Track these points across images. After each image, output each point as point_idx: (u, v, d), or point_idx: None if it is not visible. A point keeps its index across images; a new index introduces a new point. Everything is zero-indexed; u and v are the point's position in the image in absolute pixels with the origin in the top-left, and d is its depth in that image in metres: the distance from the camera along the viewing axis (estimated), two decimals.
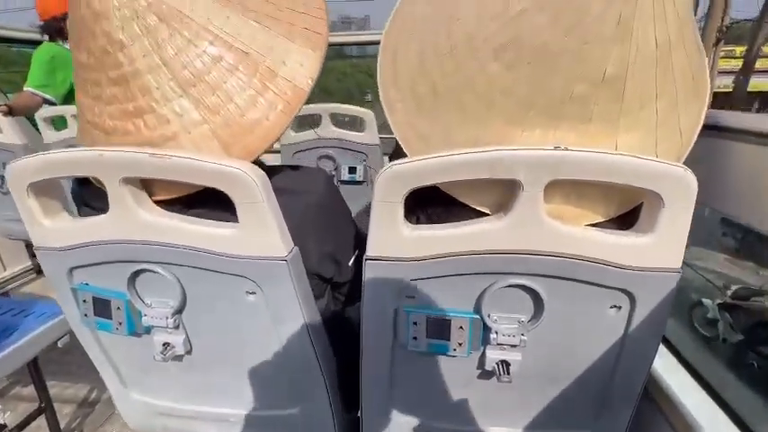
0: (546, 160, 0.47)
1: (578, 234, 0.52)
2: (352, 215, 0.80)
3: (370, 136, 2.01)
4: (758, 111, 17.30)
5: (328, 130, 2.04)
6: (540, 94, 0.50)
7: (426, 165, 0.49)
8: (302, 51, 0.60)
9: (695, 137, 0.58)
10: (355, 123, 2.16)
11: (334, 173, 2.07)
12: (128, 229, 0.60)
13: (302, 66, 0.60)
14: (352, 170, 2.04)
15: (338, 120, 2.09)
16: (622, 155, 0.48)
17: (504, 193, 0.52)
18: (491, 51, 0.50)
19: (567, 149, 0.46)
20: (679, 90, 0.53)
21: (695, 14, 7.15)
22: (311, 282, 0.65)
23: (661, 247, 0.51)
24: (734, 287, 4.20)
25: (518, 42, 0.49)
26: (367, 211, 0.57)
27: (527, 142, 0.51)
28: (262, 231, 0.56)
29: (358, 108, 2.05)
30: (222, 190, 0.54)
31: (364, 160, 2.04)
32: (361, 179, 2.05)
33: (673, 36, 0.48)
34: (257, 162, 0.59)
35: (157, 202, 0.60)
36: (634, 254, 0.52)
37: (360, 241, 0.75)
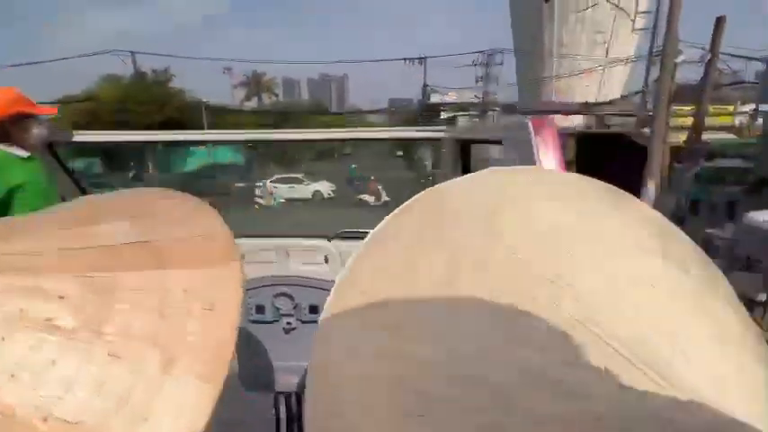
0: None
1: None
2: None
3: (336, 271, 1.62)
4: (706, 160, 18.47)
5: (284, 266, 1.67)
6: None
7: None
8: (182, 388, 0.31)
9: None
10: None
11: (293, 312, 1.71)
12: None
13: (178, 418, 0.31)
14: (314, 310, 1.70)
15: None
16: None
17: None
18: None
19: None
20: None
21: (647, 78, 7.65)
22: None
23: None
24: None
25: None
26: None
27: None
28: None
29: (318, 242, 1.74)
30: None
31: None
32: None
33: None
34: None
35: None
36: None
37: None
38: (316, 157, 41.70)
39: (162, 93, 29.56)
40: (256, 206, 16.17)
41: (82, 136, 2.27)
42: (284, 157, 36.33)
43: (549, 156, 0.85)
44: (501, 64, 30.26)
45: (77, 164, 29.82)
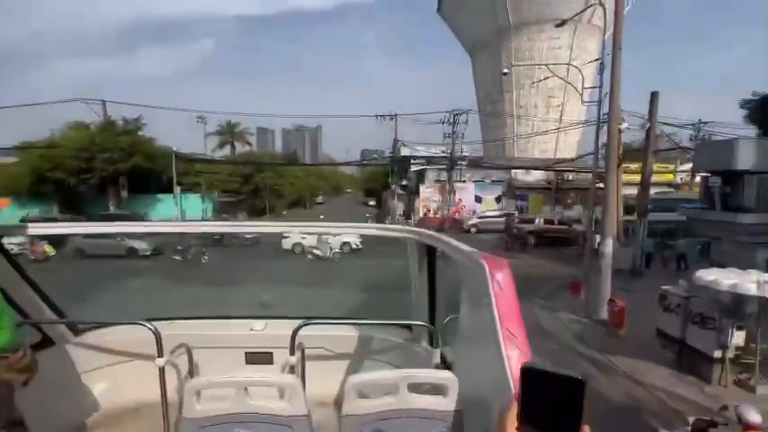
0: None
1: None
2: None
3: (295, 405, 1.41)
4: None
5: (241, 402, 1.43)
6: None
7: None
8: None
9: None
10: None
11: None
12: None
13: None
14: None
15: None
16: None
17: None
18: None
19: None
20: None
21: (597, 141, 8.37)
22: None
23: None
24: (691, 419, 4.09)
25: None
26: None
27: None
28: None
29: (282, 379, 1.64)
30: None
31: None
32: None
33: None
34: None
35: None
36: None
37: None
38: (288, 205, 41.57)
39: (131, 141, 29.07)
40: (310, 256, 16.59)
41: (35, 228, 2.27)
42: (254, 207, 35.97)
43: (503, 295, 0.93)
44: (466, 122, 32.38)
45: (33, 210, 28.26)
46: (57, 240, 15.51)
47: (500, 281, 0.98)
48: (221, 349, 2.23)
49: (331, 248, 17.00)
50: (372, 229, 2.12)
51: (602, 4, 10.97)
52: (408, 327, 2.21)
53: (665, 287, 7.16)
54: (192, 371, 2.13)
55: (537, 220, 22.91)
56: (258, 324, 2.31)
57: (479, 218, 27.95)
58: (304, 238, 18.20)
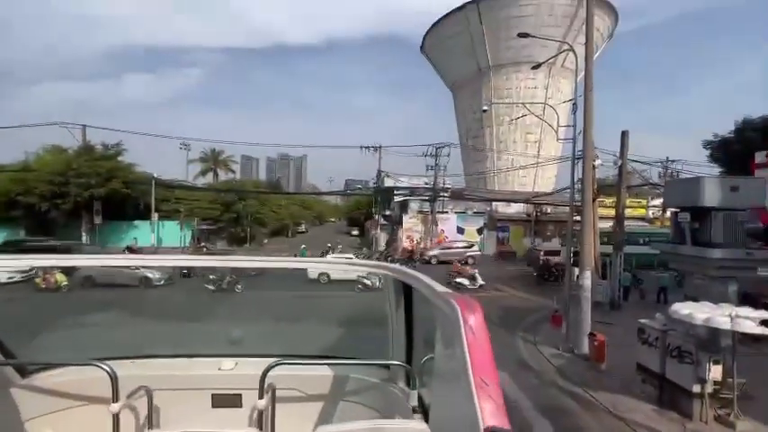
0: None
1: None
2: None
3: None
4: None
5: None
6: None
7: None
8: None
9: None
10: None
11: None
12: None
13: None
14: None
15: None
16: None
17: None
18: None
19: None
20: None
21: (573, 176, 8.62)
22: None
23: None
24: None
25: None
26: None
27: None
28: None
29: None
30: None
31: None
32: None
33: None
34: None
35: None
36: None
37: None
38: (270, 234, 40.94)
39: (110, 166, 28.45)
40: (360, 287, 16.46)
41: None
42: (234, 235, 35.24)
43: (476, 342, 0.90)
44: (448, 155, 33.27)
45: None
46: (67, 269, 14.41)
47: (473, 326, 0.96)
48: (185, 391, 2.08)
49: (379, 278, 16.80)
50: (347, 264, 2.07)
51: (572, 50, 11.72)
52: (386, 366, 2.13)
53: (642, 320, 7.25)
54: (152, 416, 1.96)
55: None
56: (227, 363, 2.17)
57: (441, 249, 27.74)
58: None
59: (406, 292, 1.83)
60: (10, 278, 12.95)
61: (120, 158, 30.58)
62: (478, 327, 0.96)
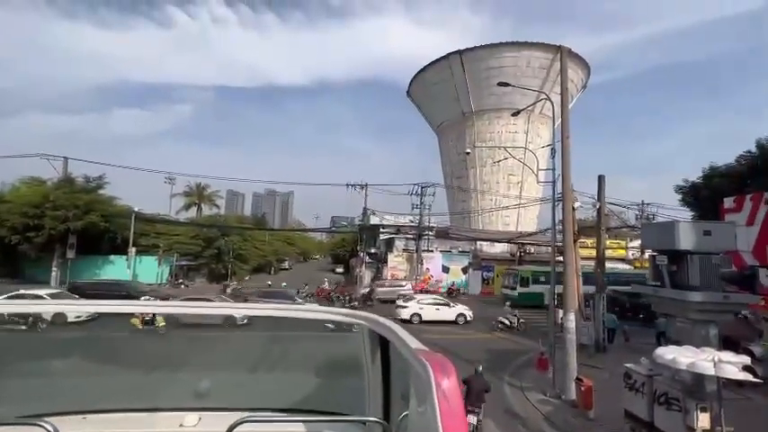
0: None
1: None
2: None
3: None
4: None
5: None
6: None
7: None
8: None
9: None
10: None
11: None
12: None
13: None
14: None
15: None
16: None
17: None
18: None
19: None
20: None
21: (554, 217, 8.79)
22: None
23: None
24: None
25: None
26: None
27: None
28: None
29: None
30: None
31: None
32: None
33: None
34: None
35: None
36: None
37: None
38: (252, 271, 39.93)
39: (89, 199, 27.78)
40: (500, 326, 17.02)
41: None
42: (215, 272, 34.24)
43: (449, 409, 0.84)
44: (433, 195, 33.87)
45: None
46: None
47: (445, 390, 0.90)
48: None
49: (518, 318, 17.16)
50: (319, 312, 1.97)
51: (549, 99, 12.42)
52: (362, 422, 1.99)
53: (628, 365, 7.16)
54: None
55: None
56: (190, 418, 1.98)
57: (379, 287, 26.93)
58: (422, 308, 18.59)
59: (383, 342, 1.75)
60: (78, 317, 12.33)
61: (101, 191, 29.98)
62: (451, 390, 0.91)
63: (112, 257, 30.67)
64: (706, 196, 18.32)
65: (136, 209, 32.10)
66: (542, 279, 26.40)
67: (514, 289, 26.42)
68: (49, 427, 1.60)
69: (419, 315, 18.62)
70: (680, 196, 20.65)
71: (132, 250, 29.50)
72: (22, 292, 16.07)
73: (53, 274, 27.47)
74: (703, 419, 5.87)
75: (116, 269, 30.20)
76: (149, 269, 30.80)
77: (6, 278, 26.94)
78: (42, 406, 2.00)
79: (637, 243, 32.27)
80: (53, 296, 16.13)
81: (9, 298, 14.69)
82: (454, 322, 18.76)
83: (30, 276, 27.49)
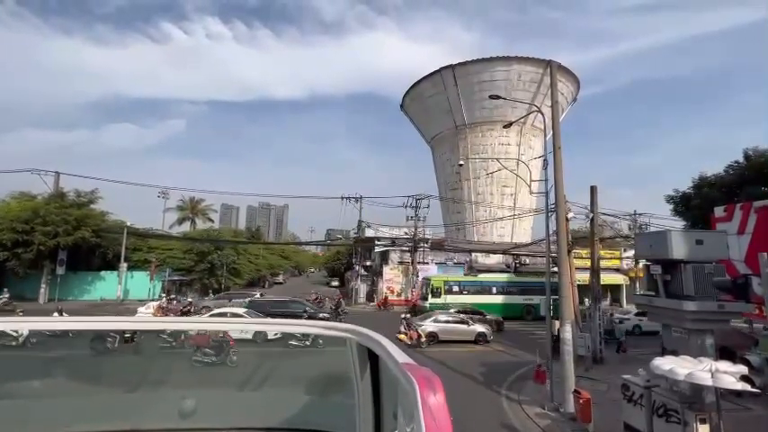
0: None
1: None
2: None
3: None
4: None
5: None
6: None
7: None
8: None
9: None
10: None
11: None
12: None
13: None
14: None
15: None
16: None
17: None
18: None
19: None
20: None
21: (548, 228, 8.78)
22: None
23: None
24: None
25: None
26: None
27: None
28: None
29: None
30: None
31: None
32: None
33: None
34: None
35: None
36: None
37: None
38: (245, 284, 39.47)
39: (80, 214, 27.44)
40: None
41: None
42: (207, 286, 33.79)
43: (435, 423, 0.79)
44: (428, 207, 33.92)
45: None
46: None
47: (432, 407, 0.85)
48: None
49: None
50: (308, 326, 1.91)
51: (540, 112, 12.58)
52: None
53: (625, 377, 7.09)
54: None
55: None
56: None
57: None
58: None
59: (372, 356, 1.69)
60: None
61: (93, 206, 29.66)
62: (438, 407, 0.86)
63: (103, 273, 30.19)
64: (697, 205, 18.53)
65: (128, 223, 31.78)
66: (456, 288, 25.68)
67: (426, 299, 24.94)
68: None
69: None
70: (671, 206, 20.87)
71: (123, 266, 29.09)
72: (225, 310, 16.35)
73: (41, 290, 26.92)
74: (703, 431, 5.79)
75: (107, 285, 29.70)
76: (141, 285, 30.32)
77: None
78: (20, 428, 1.91)
79: (631, 253, 32.43)
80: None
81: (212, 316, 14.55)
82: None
83: (17, 293, 26.88)
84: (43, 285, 27.01)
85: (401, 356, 1.19)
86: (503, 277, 28.54)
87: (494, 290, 26.37)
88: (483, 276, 28.82)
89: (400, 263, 33.50)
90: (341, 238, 55.07)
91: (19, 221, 24.98)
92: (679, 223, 20.69)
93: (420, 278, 29.72)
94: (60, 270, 26.97)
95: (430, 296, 24.84)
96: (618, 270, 35.20)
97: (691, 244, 8.17)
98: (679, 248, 8.08)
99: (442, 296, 24.71)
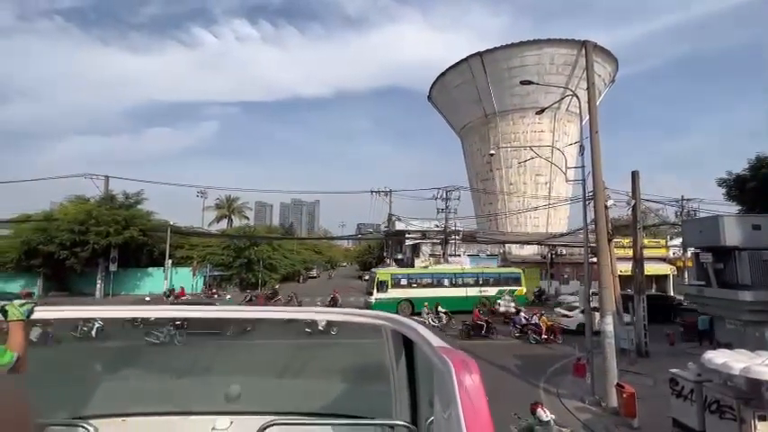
0: None
1: None
2: None
3: None
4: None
5: None
6: None
7: None
8: None
9: None
10: None
11: None
12: None
13: None
14: None
15: None
16: None
17: None
18: None
19: None
20: None
21: (586, 217, 8.44)
22: None
23: None
24: None
25: None
26: None
27: None
28: None
29: None
30: None
31: None
32: None
33: None
34: None
35: None
36: None
37: None
38: (280, 279, 40.71)
39: (128, 215, 29.37)
40: None
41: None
42: (245, 281, 35.15)
43: (472, 408, 0.79)
44: (459, 198, 33.39)
45: (9, 286, 27.28)
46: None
47: (468, 388, 0.86)
48: None
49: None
50: (341, 314, 1.96)
51: (575, 96, 12.03)
52: (390, 426, 1.96)
53: (674, 370, 6.73)
54: None
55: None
56: (222, 421, 2.02)
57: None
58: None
59: (407, 343, 1.72)
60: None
61: (139, 207, 31.60)
62: (475, 389, 0.87)
63: (151, 270, 32.14)
64: (753, 188, 17.13)
65: (171, 222, 33.56)
66: (404, 282, 23.54)
67: (371, 294, 22.97)
68: (91, 429, 1.69)
69: None
70: (724, 190, 19.39)
71: (169, 262, 30.81)
72: None
73: (98, 285, 29.07)
74: (762, 429, 5.41)
75: (154, 281, 31.60)
76: (185, 280, 32.04)
77: (55, 291, 28.80)
78: (86, 409, 2.10)
79: (678, 241, 30.52)
80: None
81: None
82: None
83: (77, 289, 29.26)
84: (99, 281, 29.15)
85: (436, 341, 1.20)
86: (455, 269, 26.59)
87: (445, 282, 24.48)
88: (434, 269, 27.21)
89: (431, 255, 33.34)
90: (372, 232, 55.45)
91: (75, 223, 27.05)
92: (733, 208, 19.22)
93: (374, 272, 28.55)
94: (113, 267, 29.00)
95: (375, 291, 22.85)
96: (664, 259, 33.28)
97: (746, 229, 7.60)
98: (733, 235, 7.53)
99: (389, 290, 22.94)
